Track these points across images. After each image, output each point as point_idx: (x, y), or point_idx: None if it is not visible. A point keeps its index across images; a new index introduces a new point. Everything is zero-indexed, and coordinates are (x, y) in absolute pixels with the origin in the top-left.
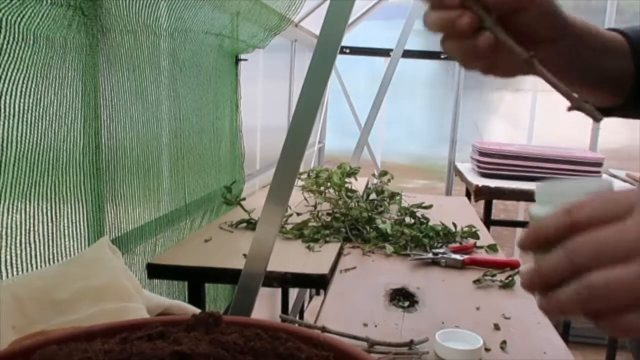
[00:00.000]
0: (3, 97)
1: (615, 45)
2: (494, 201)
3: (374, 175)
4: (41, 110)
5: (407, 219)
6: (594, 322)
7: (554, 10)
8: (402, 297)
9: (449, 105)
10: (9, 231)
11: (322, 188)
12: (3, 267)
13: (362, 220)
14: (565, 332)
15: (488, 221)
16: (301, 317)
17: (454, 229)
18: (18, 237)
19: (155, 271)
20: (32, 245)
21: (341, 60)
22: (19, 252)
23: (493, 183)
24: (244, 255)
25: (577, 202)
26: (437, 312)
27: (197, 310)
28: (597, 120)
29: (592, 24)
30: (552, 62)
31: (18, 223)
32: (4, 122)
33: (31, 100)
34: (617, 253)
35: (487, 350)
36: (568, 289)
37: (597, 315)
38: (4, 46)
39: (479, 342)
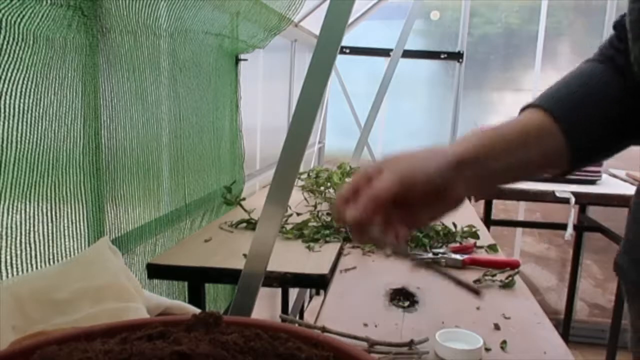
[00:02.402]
0: (3, 97)
1: (529, 133)
2: (494, 201)
3: None
4: (41, 110)
5: None
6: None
7: (435, 177)
8: (402, 297)
9: (449, 105)
10: (9, 231)
11: (322, 188)
12: (3, 267)
13: None
14: (565, 332)
15: (488, 221)
16: (301, 317)
17: (454, 229)
18: (18, 237)
19: (155, 271)
20: (32, 245)
21: (341, 60)
22: (19, 252)
23: None
24: (244, 255)
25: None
26: (437, 312)
27: (197, 310)
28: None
29: (496, 131)
30: (470, 188)
31: (18, 223)
32: (4, 122)
33: (31, 100)
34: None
35: (487, 350)
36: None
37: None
38: (4, 46)
39: (479, 342)
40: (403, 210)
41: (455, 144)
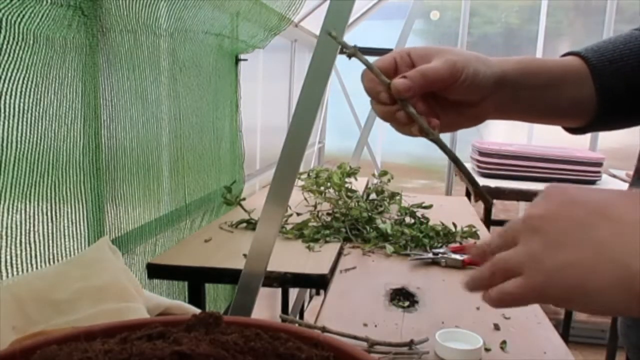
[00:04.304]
0: (3, 97)
1: (569, 73)
2: (494, 201)
3: (374, 175)
4: (41, 110)
5: (407, 219)
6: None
7: (479, 79)
8: (402, 297)
9: None
10: (9, 231)
11: (322, 188)
12: (3, 267)
13: (362, 220)
14: (565, 332)
15: (488, 221)
16: (301, 317)
17: (454, 229)
18: (18, 237)
19: (155, 271)
20: (32, 245)
21: (341, 60)
22: (19, 252)
23: (493, 183)
24: (244, 255)
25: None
26: (437, 312)
27: (197, 310)
28: (487, 204)
29: (540, 60)
30: (498, 110)
31: (18, 223)
32: (4, 122)
33: (31, 100)
34: (510, 267)
35: (487, 350)
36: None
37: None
38: (4, 46)
39: (479, 342)
40: (431, 106)
41: (500, 60)
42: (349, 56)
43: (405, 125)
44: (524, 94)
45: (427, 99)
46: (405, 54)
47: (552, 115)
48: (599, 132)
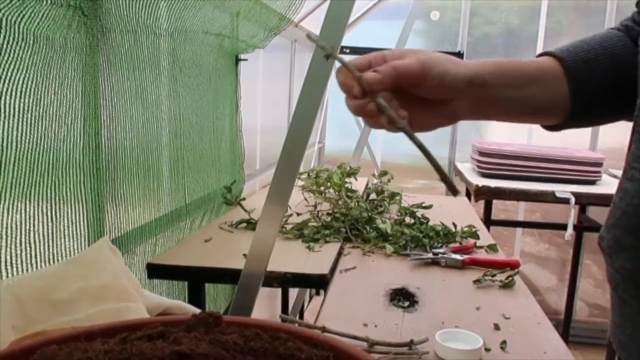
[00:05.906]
0: (3, 97)
1: (544, 73)
2: (494, 201)
3: (374, 175)
4: (41, 110)
5: (407, 219)
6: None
7: (449, 80)
8: (402, 297)
9: None
10: (9, 231)
11: (322, 188)
12: (3, 267)
13: (362, 220)
14: (565, 332)
15: (488, 221)
16: (301, 317)
17: (454, 229)
18: (18, 237)
19: (155, 271)
20: (32, 245)
21: None
22: (19, 252)
23: (493, 183)
24: (244, 255)
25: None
26: (437, 312)
27: (197, 310)
28: (454, 193)
29: (515, 61)
30: (472, 109)
31: (18, 223)
32: (4, 122)
33: (31, 100)
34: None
35: (487, 350)
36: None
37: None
38: (4, 46)
39: (479, 342)
40: (405, 105)
41: (475, 62)
42: (327, 57)
43: (376, 117)
44: (497, 93)
45: (401, 97)
46: (380, 56)
47: (528, 114)
48: (575, 128)
